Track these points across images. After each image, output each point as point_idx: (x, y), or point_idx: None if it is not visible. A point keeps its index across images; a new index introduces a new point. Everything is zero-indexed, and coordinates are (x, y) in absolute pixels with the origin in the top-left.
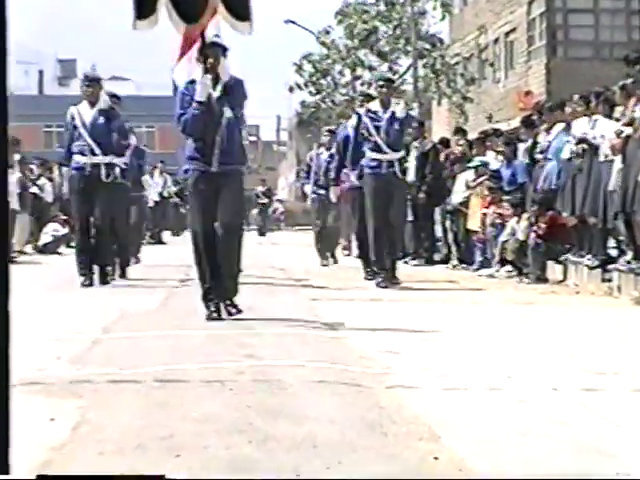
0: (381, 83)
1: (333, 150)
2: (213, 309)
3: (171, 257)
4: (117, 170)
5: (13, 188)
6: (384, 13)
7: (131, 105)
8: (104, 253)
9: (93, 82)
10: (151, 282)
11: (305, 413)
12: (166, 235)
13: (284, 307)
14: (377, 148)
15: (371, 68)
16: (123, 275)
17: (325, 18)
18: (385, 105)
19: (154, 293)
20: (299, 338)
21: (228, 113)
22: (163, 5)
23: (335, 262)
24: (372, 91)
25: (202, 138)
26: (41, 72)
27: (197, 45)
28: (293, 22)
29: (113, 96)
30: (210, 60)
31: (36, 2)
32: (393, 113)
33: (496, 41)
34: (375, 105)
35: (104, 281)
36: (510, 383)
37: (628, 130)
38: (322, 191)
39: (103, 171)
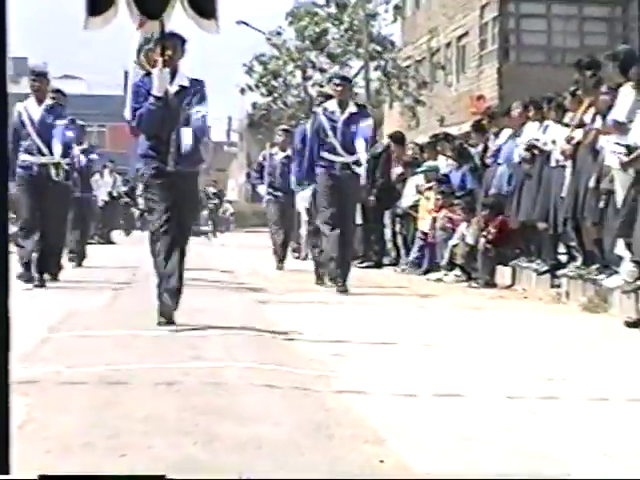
0: (337, 82)
1: (289, 151)
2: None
3: (119, 257)
4: (62, 171)
5: None
6: (335, 15)
7: (82, 104)
8: (48, 255)
9: (40, 77)
10: (98, 282)
11: (251, 415)
12: (115, 234)
13: (232, 310)
14: (332, 150)
15: (322, 70)
16: (55, 277)
17: (276, 20)
18: (342, 105)
19: (101, 293)
20: (246, 340)
21: (186, 112)
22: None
23: (281, 267)
24: (329, 90)
25: (157, 135)
26: None
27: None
28: (245, 23)
29: (57, 92)
30: (168, 52)
31: None
32: (350, 114)
33: (448, 45)
34: (332, 105)
35: (40, 283)
36: (456, 388)
37: (578, 136)
38: (278, 193)
39: (52, 171)
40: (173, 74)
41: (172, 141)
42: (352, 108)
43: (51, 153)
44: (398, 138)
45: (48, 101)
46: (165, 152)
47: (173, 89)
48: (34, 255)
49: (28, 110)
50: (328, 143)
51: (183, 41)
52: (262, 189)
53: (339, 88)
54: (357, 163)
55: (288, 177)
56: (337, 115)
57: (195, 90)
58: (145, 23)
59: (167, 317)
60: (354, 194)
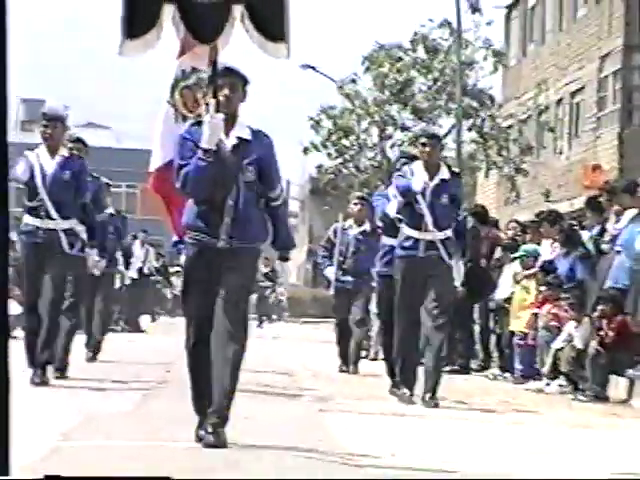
0: (424, 140)
1: (366, 226)
2: (210, 430)
3: (149, 350)
4: (79, 240)
5: None
6: (423, 62)
7: (109, 158)
8: (51, 344)
9: (54, 121)
10: (122, 381)
11: None
12: (145, 320)
13: (287, 421)
14: (416, 224)
15: (404, 128)
16: (63, 371)
17: (351, 65)
18: (430, 169)
19: (125, 394)
20: (303, 461)
21: (249, 175)
22: (167, 20)
23: (355, 370)
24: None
25: (208, 200)
26: None
27: (204, 51)
28: (312, 67)
29: (77, 141)
30: (225, 92)
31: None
32: (442, 180)
33: (559, 102)
34: (417, 168)
35: (42, 379)
36: None
37: None
38: (348, 277)
39: (63, 239)
40: (231, 122)
41: (227, 209)
42: (444, 174)
43: (63, 217)
44: (481, 215)
45: (64, 152)
46: (217, 223)
47: (230, 142)
48: (38, 343)
49: (40, 161)
50: (411, 216)
51: (244, 80)
52: (330, 272)
53: (427, 148)
54: (447, 242)
55: (363, 258)
56: (422, 181)
57: (258, 147)
58: (187, 50)
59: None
60: (445, 280)
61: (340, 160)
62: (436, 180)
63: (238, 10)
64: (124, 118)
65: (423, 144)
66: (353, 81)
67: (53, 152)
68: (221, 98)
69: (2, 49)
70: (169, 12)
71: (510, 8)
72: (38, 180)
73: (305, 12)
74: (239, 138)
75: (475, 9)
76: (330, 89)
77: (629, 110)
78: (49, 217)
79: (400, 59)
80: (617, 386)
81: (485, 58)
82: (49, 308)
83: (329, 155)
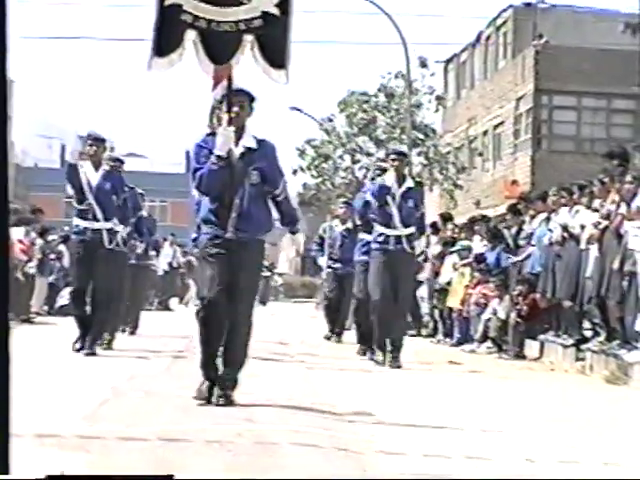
0: (393, 157)
1: (349, 224)
2: (204, 391)
3: (175, 325)
4: (119, 237)
5: (35, 254)
6: (383, 104)
7: (146, 181)
8: (100, 322)
9: (97, 142)
10: (156, 349)
11: (296, 473)
12: (173, 302)
13: (281, 377)
14: (387, 223)
15: (369, 154)
16: (109, 344)
17: (328, 107)
18: (398, 179)
19: (159, 359)
20: (294, 406)
21: (254, 177)
22: (190, 42)
23: (339, 340)
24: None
25: (219, 198)
26: (63, 147)
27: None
28: (298, 109)
29: (116, 160)
30: (235, 109)
31: (61, 82)
32: (408, 188)
33: (485, 133)
34: (389, 179)
35: (91, 350)
36: (484, 451)
37: (605, 222)
38: (337, 264)
39: (105, 237)
40: (240, 134)
41: (234, 206)
42: (409, 183)
43: (106, 219)
44: (447, 217)
45: (105, 167)
46: (225, 217)
47: (238, 150)
48: (87, 323)
49: (87, 174)
50: (383, 216)
51: (252, 98)
52: (322, 261)
53: (396, 163)
54: (412, 238)
55: (348, 249)
56: (394, 189)
57: (263, 154)
58: (220, 82)
59: (226, 395)
60: (409, 267)
61: (320, 179)
62: (403, 187)
63: (248, 39)
64: (156, 148)
65: (393, 159)
66: (330, 120)
67: (97, 167)
68: (232, 114)
69: (2, 48)
70: (191, 37)
71: (447, 62)
72: (86, 189)
73: (293, 66)
74: (246, 147)
75: (423, 64)
76: (313, 126)
77: (538, 139)
78: (95, 219)
79: (366, 102)
80: (531, 347)
81: (429, 101)
82: (96, 293)
83: (312, 176)
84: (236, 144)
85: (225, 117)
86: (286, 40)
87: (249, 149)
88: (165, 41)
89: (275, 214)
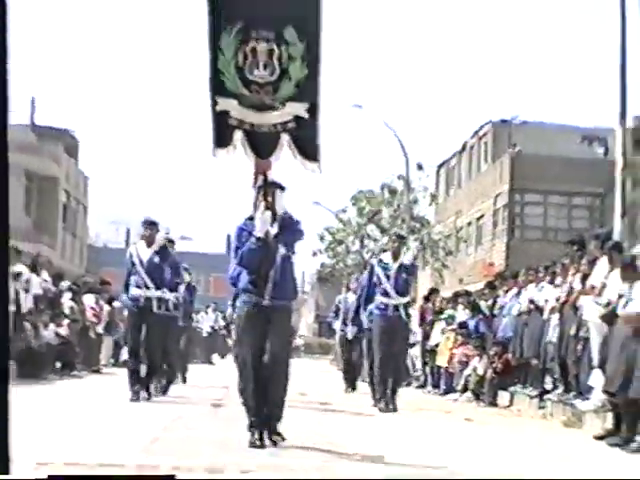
0: (394, 238)
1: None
2: (257, 437)
3: (216, 376)
4: (170, 303)
5: (103, 317)
6: (387, 199)
7: (193, 259)
8: (151, 375)
9: (151, 225)
10: (199, 397)
11: None
12: (215, 357)
13: (302, 420)
14: (386, 293)
15: (375, 240)
16: (165, 391)
17: (343, 201)
18: (395, 257)
19: (202, 403)
20: (313, 446)
21: (282, 250)
22: (238, 140)
23: (353, 390)
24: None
25: (257, 271)
26: (128, 230)
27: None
28: (318, 203)
29: (169, 241)
30: (269, 198)
31: (127, 177)
32: (402, 264)
33: (469, 224)
34: (387, 257)
35: (147, 396)
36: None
37: (564, 296)
38: (348, 329)
39: (154, 303)
40: (273, 217)
41: (270, 277)
42: (406, 261)
43: (157, 288)
44: (436, 291)
45: (156, 245)
46: (262, 287)
47: (273, 231)
48: (141, 374)
49: (138, 251)
50: (382, 288)
51: (283, 188)
52: (337, 325)
53: (395, 244)
54: (407, 305)
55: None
56: (390, 265)
57: (291, 228)
58: (258, 177)
59: (272, 440)
60: (404, 332)
61: (335, 260)
62: (397, 263)
63: (285, 138)
64: (203, 232)
65: (393, 240)
66: (344, 211)
67: (149, 245)
68: (268, 202)
69: (2, 50)
70: (238, 137)
71: (439, 167)
72: (138, 262)
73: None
74: (279, 227)
75: (419, 167)
76: (330, 217)
77: (512, 229)
78: (146, 288)
79: (373, 197)
80: (503, 397)
81: (424, 197)
82: (148, 351)
83: (329, 256)
84: (272, 225)
85: (262, 205)
86: (317, 138)
87: (281, 228)
88: (220, 138)
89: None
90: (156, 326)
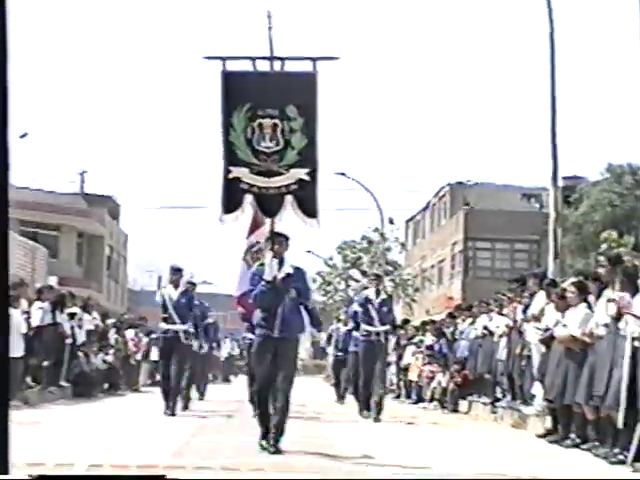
0: (373, 278)
1: (349, 326)
2: (265, 442)
3: (231, 393)
4: (192, 336)
5: (142, 347)
6: (366, 248)
7: (212, 299)
8: (176, 393)
9: (177, 272)
10: (218, 409)
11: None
12: (232, 378)
13: (301, 429)
14: (370, 323)
15: (356, 280)
16: (186, 407)
17: (330, 250)
18: (377, 293)
19: (219, 415)
20: (311, 453)
21: (292, 294)
22: (249, 203)
23: (342, 402)
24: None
25: (267, 309)
26: (160, 277)
27: (264, 231)
28: (310, 252)
29: (191, 284)
30: (277, 247)
31: (159, 234)
32: (383, 299)
33: (432, 266)
34: (371, 292)
35: (172, 412)
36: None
37: (510, 324)
38: (340, 353)
39: (182, 335)
40: (281, 263)
41: (278, 314)
42: (384, 296)
43: (182, 323)
44: (407, 321)
45: (181, 288)
46: (272, 322)
47: (280, 275)
48: (170, 393)
49: (169, 293)
50: (367, 318)
51: (287, 239)
52: (330, 350)
53: (375, 282)
54: (387, 332)
55: (348, 343)
56: (373, 299)
57: (298, 277)
58: (253, 232)
59: (276, 447)
60: (384, 353)
61: (325, 298)
62: (379, 299)
63: (289, 199)
64: (222, 276)
65: (372, 279)
66: (331, 258)
67: (176, 287)
68: (275, 250)
69: (2, 53)
70: (248, 200)
71: (408, 221)
72: (167, 302)
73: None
74: (286, 273)
75: (391, 222)
76: (319, 262)
77: (467, 270)
78: (174, 323)
79: (354, 247)
80: (462, 405)
81: (396, 246)
82: (176, 373)
83: (320, 295)
84: (279, 270)
85: (269, 253)
86: (316, 198)
87: (288, 274)
88: (230, 203)
89: (306, 319)
90: (182, 354)
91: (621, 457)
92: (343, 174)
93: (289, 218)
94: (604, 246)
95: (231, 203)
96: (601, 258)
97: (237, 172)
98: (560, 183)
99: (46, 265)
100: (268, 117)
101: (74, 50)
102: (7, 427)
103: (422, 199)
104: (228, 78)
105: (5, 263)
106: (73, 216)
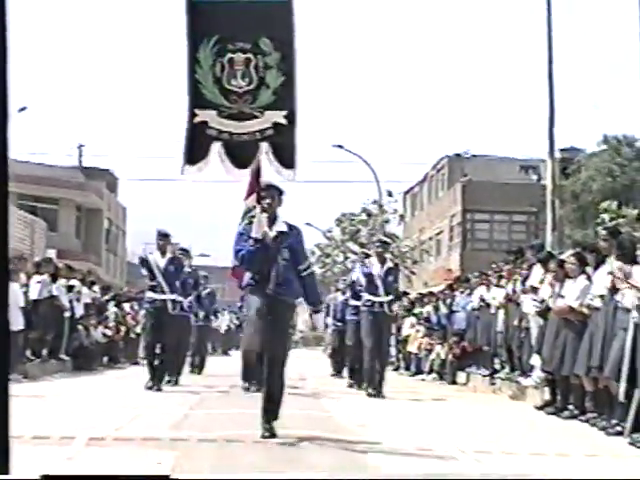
0: (378, 244)
1: (347, 296)
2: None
3: (230, 366)
4: (184, 304)
5: (140, 320)
6: (364, 220)
7: (211, 271)
8: (167, 367)
9: (164, 237)
10: (217, 384)
11: (309, 457)
12: (232, 351)
13: (300, 402)
14: (374, 292)
15: (355, 253)
16: (176, 382)
17: (329, 222)
18: (381, 261)
19: (217, 390)
20: (308, 416)
21: (285, 254)
22: (215, 152)
23: (339, 374)
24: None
25: (259, 272)
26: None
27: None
28: (309, 224)
29: (183, 250)
30: (267, 201)
31: (156, 207)
32: (390, 268)
33: (430, 238)
34: (374, 261)
35: (158, 387)
36: (429, 442)
37: (509, 294)
38: (339, 323)
39: (170, 305)
40: (273, 221)
41: (272, 277)
42: (390, 264)
43: (172, 292)
44: (406, 293)
45: (169, 255)
46: (265, 282)
47: (272, 233)
48: (155, 366)
49: (156, 260)
50: (371, 287)
51: (280, 192)
52: (329, 320)
53: (380, 249)
54: (390, 302)
55: (345, 312)
56: (378, 268)
57: (293, 237)
58: (252, 193)
59: (270, 427)
60: (389, 324)
61: (324, 269)
62: (385, 267)
63: (264, 146)
64: (219, 249)
65: (378, 246)
66: (329, 231)
67: (163, 254)
68: (265, 205)
69: (2, 52)
70: (216, 148)
71: (406, 193)
72: (155, 269)
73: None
74: (278, 231)
75: (390, 194)
76: (318, 235)
77: (465, 242)
78: (162, 292)
79: (353, 219)
80: (461, 377)
81: (394, 218)
82: (164, 346)
83: (319, 267)
84: (270, 229)
85: (258, 207)
86: (294, 145)
87: (281, 232)
88: (195, 152)
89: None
90: (170, 325)
91: (619, 428)
92: (341, 146)
93: (264, 169)
94: (605, 216)
95: (197, 152)
96: (603, 232)
97: (204, 115)
98: (557, 155)
99: (45, 238)
100: (239, 51)
101: (69, 23)
102: (7, 427)
103: (420, 171)
104: (194, 7)
105: (5, 237)
106: (71, 189)
